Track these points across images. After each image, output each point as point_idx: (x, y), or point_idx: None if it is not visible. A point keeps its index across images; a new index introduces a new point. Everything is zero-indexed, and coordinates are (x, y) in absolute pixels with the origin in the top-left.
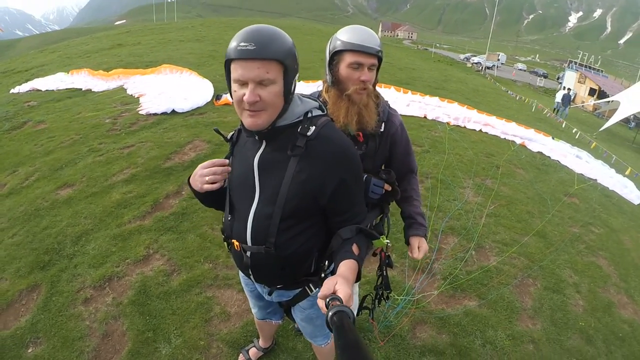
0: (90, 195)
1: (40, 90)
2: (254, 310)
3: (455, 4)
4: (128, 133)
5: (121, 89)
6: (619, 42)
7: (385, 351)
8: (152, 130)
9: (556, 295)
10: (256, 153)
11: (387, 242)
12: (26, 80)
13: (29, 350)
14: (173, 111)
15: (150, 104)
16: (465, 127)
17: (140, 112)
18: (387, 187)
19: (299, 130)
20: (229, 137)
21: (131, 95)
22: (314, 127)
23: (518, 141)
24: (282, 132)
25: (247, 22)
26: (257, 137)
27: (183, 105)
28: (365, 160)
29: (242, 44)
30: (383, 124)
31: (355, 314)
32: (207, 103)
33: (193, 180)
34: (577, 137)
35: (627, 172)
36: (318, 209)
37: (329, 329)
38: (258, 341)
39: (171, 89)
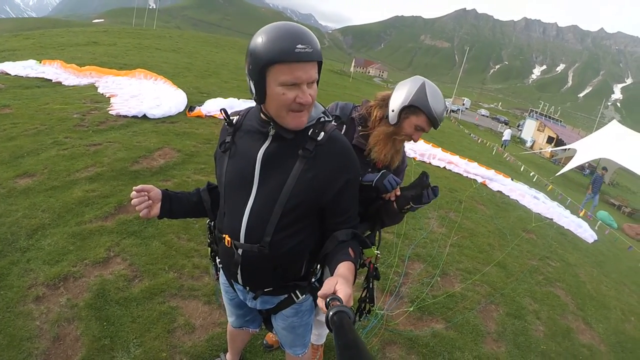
0: (50, 189)
1: (9, 75)
2: (230, 319)
3: (426, 49)
4: (96, 131)
5: (92, 87)
6: (578, 95)
7: None
8: (120, 132)
9: (518, 320)
10: (260, 147)
11: (378, 253)
12: None
13: None
14: (144, 116)
15: (121, 106)
16: (430, 163)
17: (110, 112)
18: (397, 192)
19: (309, 133)
20: (234, 121)
21: (102, 94)
22: (323, 133)
23: (479, 180)
24: (295, 132)
25: (224, 40)
26: (270, 134)
27: (155, 112)
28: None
29: (301, 46)
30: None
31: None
32: (179, 113)
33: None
34: (534, 180)
35: (581, 214)
36: (318, 208)
37: (328, 328)
38: (225, 356)
39: (144, 94)
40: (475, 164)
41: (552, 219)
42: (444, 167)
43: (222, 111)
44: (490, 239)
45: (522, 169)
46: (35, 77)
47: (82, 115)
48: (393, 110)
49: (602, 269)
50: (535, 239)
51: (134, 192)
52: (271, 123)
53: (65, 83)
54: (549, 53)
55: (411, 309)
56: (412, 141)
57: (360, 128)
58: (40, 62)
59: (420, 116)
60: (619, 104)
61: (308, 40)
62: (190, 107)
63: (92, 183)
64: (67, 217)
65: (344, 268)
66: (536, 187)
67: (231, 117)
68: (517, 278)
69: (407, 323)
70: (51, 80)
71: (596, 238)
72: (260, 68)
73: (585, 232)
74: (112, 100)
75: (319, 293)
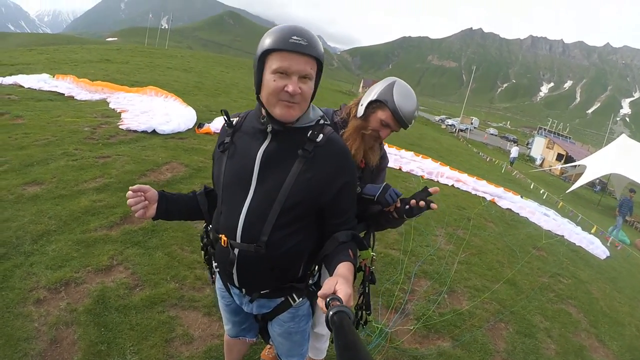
0: (58, 197)
1: (23, 87)
2: (226, 327)
3: (434, 69)
4: (105, 144)
5: (104, 102)
6: (587, 111)
7: None
8: (130, 146)
9: (528, 339)
10: (260, 146)
11: (373, 255)
12: (10, 74)
13: None
14: (154, 131)
15: (132, 121)
16: (438, 181)
17: (120, 127)
18: (398, 204)
19: (308, 135)
20: (234, 122)
21: (113, 109)
22: (322, 135)
23: (488, 197)
24: (294, 132)
25: (234, 61)
26: (268, 130)
27: (164, 128)
28: (360, 181)
29: (295, 37)
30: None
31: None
32: (188, 129)
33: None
34: (544, 197)
35: (592, 230)
36: (316, 209)
37: (328, 329)
38: None
39: (154, 110)
40: (484, 181)
41: (563, 236)
42: (452, 185)
43: (223, 112)
44: (499, 256)
45: (531, 187)
46: (48, 91)
47: (93, 128)
48: (362, 105)
49: (615, 285)
50: (545, 256)
51: (130, 192)
52: (267, 117)
53: (78, 97)
54: (556, 70)
55: (417, 326)
56: (380, 138)
57: (342, 131)
58: (53, 77)
59: (386, 111)
60: (628, 119)
61: (304, 34)
62: (199, 124)
63: (100, 193)
64: (73, 224)
65: (344, 268)
66: (546, 205)
67: (231, 119)
68: (527, 295)
69: (412, 341)
70: (64, 94)
71: (608, 254)
72: (259, 56)
73: (598, 249)
74: (122, 115)
75: (319, 293)
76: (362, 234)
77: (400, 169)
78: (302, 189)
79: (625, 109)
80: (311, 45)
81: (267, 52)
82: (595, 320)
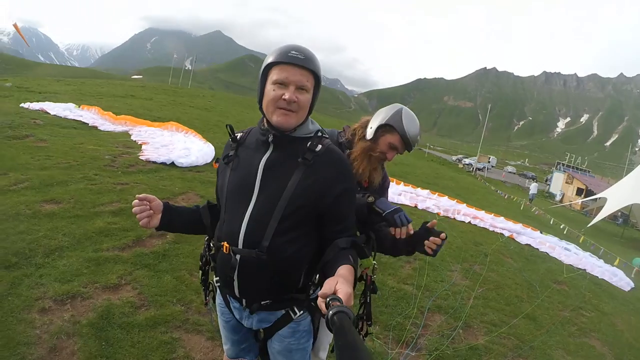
0: (74, 216)
1: (49, 114)
2: (225, 347)
3: (450, 109)
4: (125, 172)
5: (126, 134)
6: (605, 144)
7: None
8: (148, 175)
9: None
10: (263, 156)
11: (374, 264)
12: (37, 101)
13: None
14: (172, 163)
15: (152, 153)
16: (454, 218)
17: (140, 157)
18: (410, 231)
19: (308, 145)
20: (238, 137)
21: (135, 141)
22: (320, 146)
23: (507, 234)
24: (294, 142)
25: (254, 102)
26: (270, 139)
27: (183, 161)
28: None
29: (294, 52)
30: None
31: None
32: (206, 164)
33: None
34: (565, 232)
35: (615, 263)
36: (316, 215)
37: (328, 329)
38: None
39: (174, 144)
40: (502, 218)
41: (585, 269)
42: (469, 222)
43: (228, 127)
44: (518, 291)
45: (551, 222)
46: (73, 119)
47: (114, 157)
48: (371, 127)
49: None
50: (567, 290)
51: (136, 201)
52: (268, 127)
53: (101, 128)
54: (571, 105)
55: (429, 359)
56: (386, 160)
57: (348, 151)
58: (79, 107)
59: (395, 135)
60: None
61: (301, 50)
62: (217, 159)
63: (115, 217)
64: (86, 243)
65: (345, 270)
66: (567, 239)
67: (235, 134)
68: (547, 330)
69: None
70: (88, 123)
71: (633, 285)
72: (262, 70)
73: (621, 281)
74: (143, 147)
75: (320, 293)
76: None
77: (416, 207)
78: (302, 195)
79: None
80: (308, 59)
81: (269, 67)
82: (621, 353)
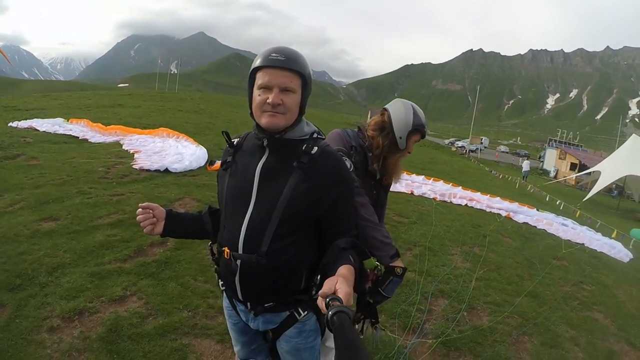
0: (73, 232)
1: (38, 130)
2: (236, 349)
3: (439, 93)
4: (119, 183)
5: (117, 144)
6: (596, 117)
7: None
8: (143, 184)
9: (554, 349)
10: (259, 161)
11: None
12: (25, 119)
13: None
14: (166, 170)
15: (145, 161)
16: (451, 202)
17: (133, 166)
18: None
19: (303, 147)
20: (235, 142)
21: (127, 150)
22: (316, 148)
23: (503, 213)
24: (288, 144)
25: (243, 101)
26: (265, 144)
27: (176, 166)
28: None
29: (274, 54)
30: None
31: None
32: (200, 167)
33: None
34: (561, 208)
35: (613, 235)
36: (314, 219)
37: (328, 329)
38: None
39: (166, 150)
40: (498, 198)
41: (583, 244)
42: (466, 205)
43: (224, 133)
44: (518, 270)
45: (547, 199)
46: (63, 134)
47: (107, 168)
48: (401, 138)
49: None
50: (567, 265)
51: (139, 210)
52: (259, 131)
53: (92, 140)
54: (560, 80)
55: (436, 343)
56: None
57: (370, 154)
58: (67, 121)
59: (417, 134)
60: (637, 119)
61: (282, 51)
62: (210, 161)
63: (114, 228)
64: (88, 258)
65: (345, 269)
66: (564, 215)
67: (232, 140)
68: (550, 306)
69: None
70: (78, 137)
71: (632, 256)
72: (249, 76)
73: (620, 252)
74: (135, 155)
75: (320, 293)
76: None
77: (412, 193)
78: (299, 199)
79: (634, 110)
80: (289, 60)
81: (254, 71)
82: (624, 324)
